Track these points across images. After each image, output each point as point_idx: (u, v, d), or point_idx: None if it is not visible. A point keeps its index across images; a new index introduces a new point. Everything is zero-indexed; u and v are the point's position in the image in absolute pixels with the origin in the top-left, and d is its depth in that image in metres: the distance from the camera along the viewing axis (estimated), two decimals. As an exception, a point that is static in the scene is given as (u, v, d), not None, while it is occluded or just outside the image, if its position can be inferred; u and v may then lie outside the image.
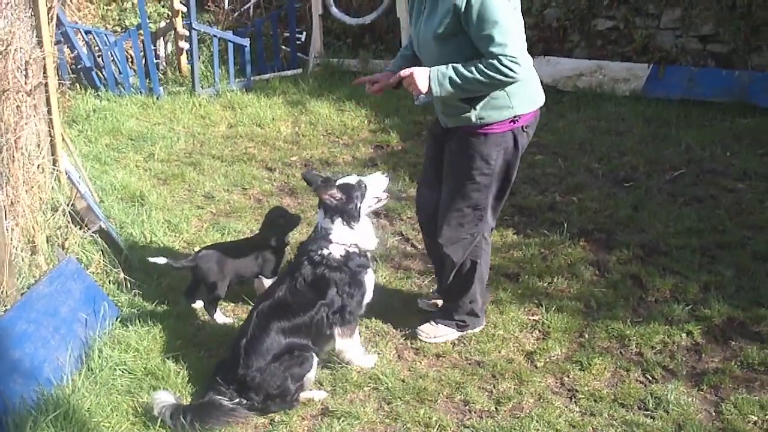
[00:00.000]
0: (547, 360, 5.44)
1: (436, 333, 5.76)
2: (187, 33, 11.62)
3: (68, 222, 6.44)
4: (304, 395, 4.99)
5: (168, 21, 12.44)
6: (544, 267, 6.62)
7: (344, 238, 5.13)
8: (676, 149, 9.10)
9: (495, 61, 4.77)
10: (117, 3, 14.04)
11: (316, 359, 5.01)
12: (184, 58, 12.32)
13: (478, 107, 5.07)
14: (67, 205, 6.50)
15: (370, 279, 5.31)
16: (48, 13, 6.66)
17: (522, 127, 5.20)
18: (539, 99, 5.32)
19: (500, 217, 7.27)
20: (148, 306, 5.90)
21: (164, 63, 12.65)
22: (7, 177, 5.79)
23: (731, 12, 10.72)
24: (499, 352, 5.52)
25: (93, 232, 6.56)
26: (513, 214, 7.63)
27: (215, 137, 9.92)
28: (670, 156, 8.90)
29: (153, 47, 12.04)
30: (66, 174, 6.90)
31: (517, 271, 6.57)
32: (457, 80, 4.88)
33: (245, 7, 14.13)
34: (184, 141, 9.74)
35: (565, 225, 7.21)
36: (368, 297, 5.36)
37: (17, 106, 6.05)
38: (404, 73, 5.03)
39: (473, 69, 4.83)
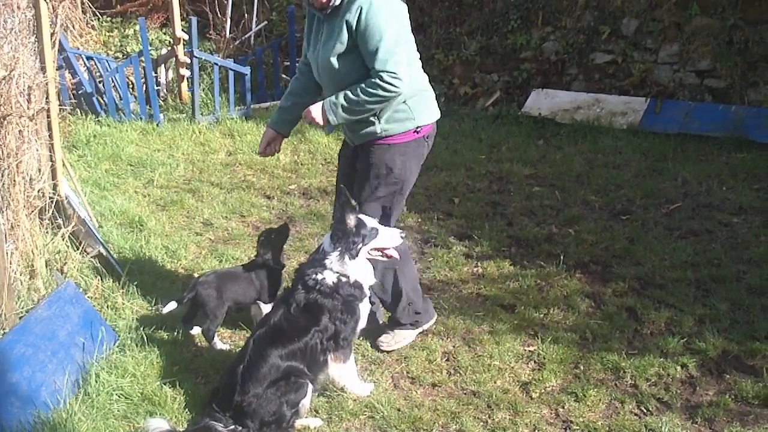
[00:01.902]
0: (543, 391, 5.44)
1: (395, 339, 5.94)
2: (189, 60, 11.70)
3: (67, 247, 6.46)
4: (299, 422, 5.00)
5: (169, 48, 12.51)
6: (540, 298, 6.63)
7: (337, 267, 5.16)
8: (673, 183, 9.15)
9: (377, 79, 5.06)
10: (119, 29, 14.15)
11: (311, 386, 5.02)
12: (184, 86, 12.39)
13: (382, 120, 5.35)
14: (67, 230, 6.52)
15: (364, 308, 5.33)
16: (51, 39, 6.71)
17: (424, 137, 5.51)
18: (436, 112, 5.68)
19: (497, 248, 7.40)
20: (145, 331, 5.90)
21: (165, 90, 12.71)
22: (8, 201, 5.82)
23: (728, 47, 10.83)
24: (495, 382, 5.53)
25: (92, 257, 6.59)
26: (510, 245, 7.66)
27: (214, 164, 9.96)
28: (667, 190, 8.94)
29: (154, 74, 12.10)
30: (66, 199, 6.93)
31: (513, 301, 6.58)
32: (347, 105, 5.19)
33: (246, 35, 14.22)
34: (183, 168, 9.78)
35: (562, 257, 7.24)
36: (362, 324, 5.40)
37: (19, 131, 6.08)
38: (303, 114, 5.41)
39: (358, 91, 5.13)
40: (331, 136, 10.60)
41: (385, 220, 5.54)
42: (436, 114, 5.65)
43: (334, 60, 5.27)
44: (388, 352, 5.90)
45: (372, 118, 5.35)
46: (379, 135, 5.41)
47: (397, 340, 5.96)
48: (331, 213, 5.59)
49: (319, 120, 5.28)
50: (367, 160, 5.53)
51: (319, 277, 5.14)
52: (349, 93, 5.17)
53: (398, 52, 5.09)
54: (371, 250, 5.27)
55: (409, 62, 5.24)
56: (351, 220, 5.13)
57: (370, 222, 5.26)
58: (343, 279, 5.18)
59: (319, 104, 5.31)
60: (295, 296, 5.12)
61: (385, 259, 5.39)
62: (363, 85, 5.13)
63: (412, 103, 5.38)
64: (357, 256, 5.20)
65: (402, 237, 5.39)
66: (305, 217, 8.28)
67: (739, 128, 10.33)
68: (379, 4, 5.08)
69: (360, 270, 5.26)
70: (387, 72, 5.04)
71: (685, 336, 6.01)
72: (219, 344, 5.92)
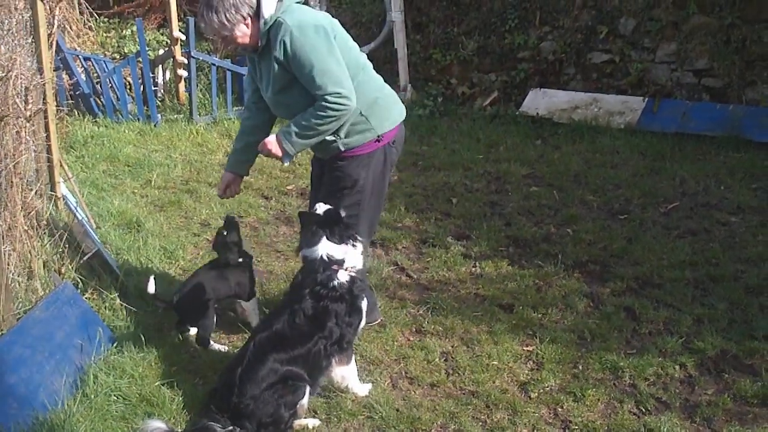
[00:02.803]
0: (541, 391, 5.43)
1: None
2: (186, 61, 11.70)
3: (65, 248, 6.46)
4: (297, 423, 4.99)
5: (167, 49, 12.51)
6: (538, 298, 6.63)
7: (351, 262, 5.16)
8: (671, 182, 9.16)
9: (322, 102, 5.08)
10: (116, 30, 14.16)
11: (308, 387, 5.01)
12: (182, 86, 12.39)
13: (342, 135, 5.37)
14: (64, 231, 6.51)
15: (364, 305, 5.33)
16: (48, 40, 6.71)
17: (388, 143, 5.53)
18: (398, 115, 5.67)
19: (494, 247, 7.38)
20: (143, 332, 5.90)
21: (162, 90, 12.72)
22: (5, 202, 5.81)
23: (726, 47, 10.84)
24: (494, 382, 5.52)
25: (89, 258, 6.58)
26: (508, 245, 7.66)
27: (212, 165, 9.96)
28: (665, 189, 8.95)
29: (151, 75, 12.11)
30: (63, 199, 6.93)
31: (512, 301, 6.57)
32: (300, 131, 5.22)
33: (244, 35, 14.19)
34: (181, 168, 9.79)
35: (560, 256, 7.25)
36: (363, 324, 5.40)
37: (17, 132, 6.08)
38: (259, 148, 5.43)
39: (308, 116, 5.16)
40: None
41: (352, 228, 5.51)
42: (398, 117, 5.64)
43: (280, 96, 5.34)
44: None
45: (331, 136, 5.35)
46: (341, 150, 5.43)
47: None
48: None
49: (277, 151, 5.29)
50: (332, 173, 5.58)
51: (335, 283, 5.10)
52: (300, 120, 5.20)
53: (335, 71, 5.09)
54: None
55: (356, 72, 5.30)
56: (343, 212, 5.20)
57: (324, 206, 5.29)
58: (354, 273, 5.17)
59: (273, 136, 5.32)
60: (302, 304, 5.07)
61: None
62: (311, 110, 5.14)
63: (368, 112, 5.39)
64: (357, 237, 5.27)
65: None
66: (303, 217, 8.28)
67: (736, 127, 10.34)
68: (300, 30, 5.07)
69: (360, 254, 5.28)
70: (330, 93, 5.04)
71: (683, 335, 6.00)
72: (216, 345, 5.92)
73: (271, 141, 5.30)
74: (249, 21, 5.20)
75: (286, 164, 5.49)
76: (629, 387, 5.48)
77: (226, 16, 5.14)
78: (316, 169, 5.93)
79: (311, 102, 5.16)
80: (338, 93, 5.04)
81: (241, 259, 6.05)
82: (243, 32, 5.22)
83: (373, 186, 5.56)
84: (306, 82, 5.10)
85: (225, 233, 6.05)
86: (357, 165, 5.46)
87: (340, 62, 5.15)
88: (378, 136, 5.44)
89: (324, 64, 5.04)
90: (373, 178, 5.53)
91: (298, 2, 5.29)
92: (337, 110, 5.07)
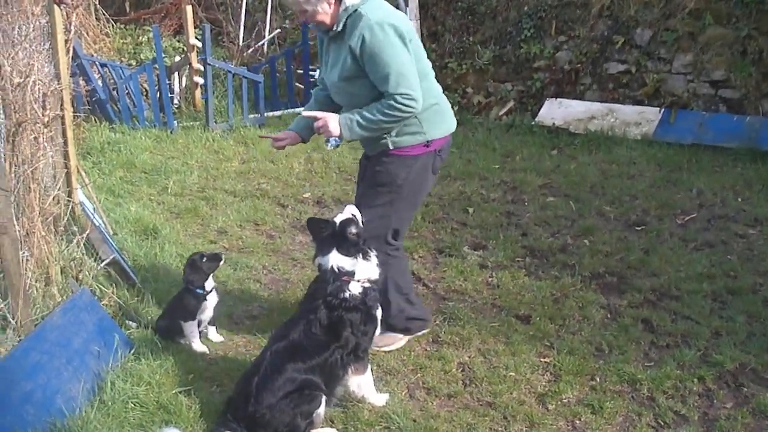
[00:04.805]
0: (559, 402, 5.41)
1: (384, 342, 5.98)
2: (202, 68, 11.72)
3: (82, 254, 6.46)
4: (314, 432, 4.98)
5: (183, 56, 12.55)
6: (555, 309, 6.60)
7: (363, 274, 5.13)
8: (687, 194, 9.13)
9: (391, 101, 5.16)
10: (132, 37, 14.20)
11: (324, 397, 4.99)
12: (198, 93, 12.42)
13: (393, 134, 5.44)
14: (82, 237, 6.52)
15: (379, 314, 5.32)
16: (65, 46, 6.73)
17: (435, 150, 5.58)
18: (451, 125, 5.76)
19: (511, 258, 7.38)
20: (160, 339, 5.90)
21: (178, 97, 12.75)
22: (23, 208, 5.82)
23: (743, 58, 10.81)
24: (511, 393, 5.50)
25: (106, 264, 6.59)
26: (524, 255, 7.64)
27: (228, 172, 9.97)
28: (682, 201, 8.92)
29: (168, 81, 12.14)
30: (80, 206, 6.94)
31: (529, 312, 6.55)
32: (363, 123, 5.29)
33: (260, 43, 14.24)
34: (197, 175, 9.80)
35: (577, 267, 7.23)
36: (378, 332, 5.40)
37: (34, 138, 6.09)
38: (318, 123, 5.42)
39: (375, 111, 5.24)
40: (345, 145, 10.61)
41: (382, 228, 5.65)
42: (449, 127, 5.71)
43: (345, 84, 5.40)
44: (377, 351, 5.94)
45: (383, 134, 5.44)
46: (389, 147, 5.50)
47: (387, 342, 6.00)
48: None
49: (333, 131, 5.33)
50: (374, 168, 5.63)
51: (347, 294, 5.08)
52: (365, 113, 5.26)
53: (409, 73, 5.17)
54: None
55: (422, 77, 5.34)
56: (353, 229, 5.14)
57: (346, 215, 5.27)
58: (367, 284, 5.15)
59: (336, 117, 5.36)
60: (318, 314, 5.05)
61: None
62: (379, 106, 5.22)
63: (423, 117, 5.43)
64: (371, 249, 5.26)
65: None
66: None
67: (753, 139, 10.31)
68: (381, 28, 5.13)
69: (375, 265, 5.27)
70: (401, 94, 5.13)
71: (701, 348, 5.97)
72: (199, 347, 6.03)
73: (332, 119, 5.34)
74: (332, 1, 5.28)
75: (329, 148, 5.52)
76: (647, 400, 5.44)
77: None
78: (362, 167, 5.97)
79: (374, 96, 5.26)
80: (408, 95, 5.13)
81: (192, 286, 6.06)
82: (324, 10, 5.29)
83: (410, 188, 5.60)
84: (378, 79, 5.18)
85: (205, 260, 6.05)
86: (400, 165, 5.52)
87: (413, 66, 5.23)
88: (427, 141, 5.50)
89: (399, 65, 5.13)
90: (412, 181, 5.57)
91: None
92: (403, 111, 5.17)
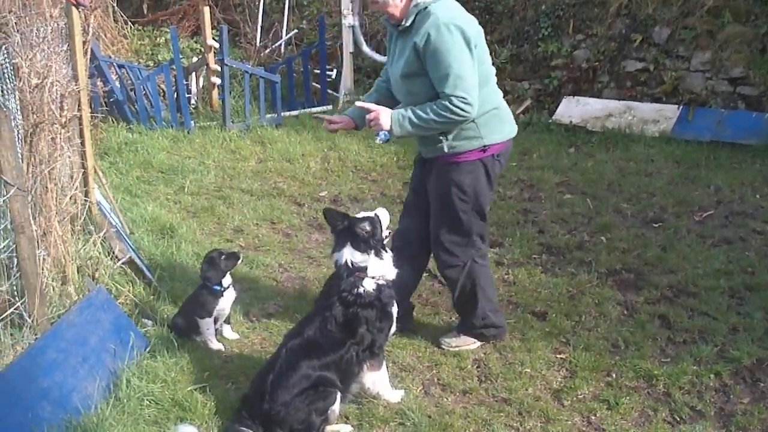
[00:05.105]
0: (574, 398, 5.39)
1: (458, 343, 6.00)
2: (219, 68, 11.75)
3: (99, 253, 6.49)
4: (329, 429, 4.97)
5: (200, 56, 12.58)
6: (571, 306, 6.59)
7: (376, 271, 5.13)
8: (705, 191, 9.09)
9: (447, 102, 5.14)
10: (150, 38, 14.26)
11: (339, 394, 5.00)
12: (215, 93, 12.46)
13: (450, 137, 5.42)
14: (98, 237, 6.55)
15: (395, 311, 5.32)
16: (83, 48, 6.76)
17: (493, 155, 5.53)
18: (511, 130, 5.70)
19: (528, 255, 7.37)
20: (176, 337, 5.92)
21: (196, 98, 12.78)
22: (41, 207, 5.85)
23: (761, 55, 10.75)
24: (526, 389, 5.49)
25: (123, 263, 6.61)
26: (541, 252, 7.63)
27: (245, 171, 9.99)
28: (699, 197, 8.88)
29: (185, 82, 12.18)
30: (97, 205, 6.97)
31: (545, 309, 6.54)
32: (416, 121, 5.27)
33: (277, 43, 14.27)
34: (214, 175, 9.83)
35: (593, 264, 7.21)
36: (393, 329, 5.38)
37: (52, 138, 6.12)
38: (370, 116, 5.42)
39: (428, 110, 5.22)
40: (362, 144, 10.62)
41: (467, 234, 5.69)
42: (509, 132, 5.66)
43: (405, 80, 5.41)
44: (449, 350, 5.99)
45: (440, 136, 5.43)
46: (446, 152, 5.48)
47: (460, 344, 6.00)
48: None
49: (384, 125, 5.33)
50: (437, 178, 5.64)
51: (360, 290, 5.09)
52: (419, 110, 5.25)
53: (468, 77, 5.15)
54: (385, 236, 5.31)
55: (483, 82, 5.32)
56: (366, 225, 5.12)
57: (368, 214, 5.27)
58: (381, 282, 5.15)
59: (388, 111, 5.36)
60: (333, 311, 5.06)
61: (387, 240, 5.41)
62: (434, 106, 5.20)
63: (481, 121, 5.41)
64: (386, 248, 5.23)
65: (386, 211, 5.44)
66: (335, 224, 8.26)
67: (772, 136, 10.25)
68: (447, 28, 5.11)
69: (389, 264, 5.25)
70: (457, 97, 5.11)
71: (718, 344, 5.95)
72: (215, 345, 6.04)
73: (385, 113, 5.35)
74: None
75: (378, 141, 5.52)
76: (663, 395, 5.42)
77: None
78: (417, 170, 5.97)
79: (432, 96, 5.26)
80: (465, 99, 5.11)
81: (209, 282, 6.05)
82: (395, 3, 5.30)
83: (478, 194, 5.59)
84: (437, 79, 5.17)
85: (224, 258, 6.06)
86: (462, 171, 5.51)
87: (475, 71, 5.21)
88: (484, 146, 5.47)
89: (461, 68, 5.10)
90: (476, 188, 5.57)
91: None
92: (457, 114, 5.15)
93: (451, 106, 5.12)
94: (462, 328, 6.08)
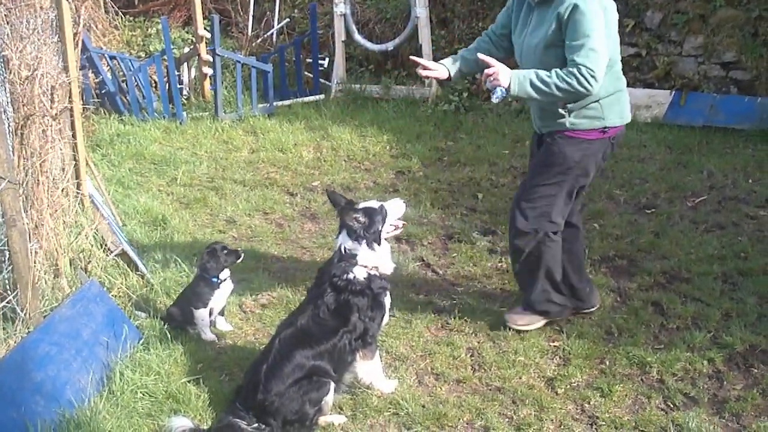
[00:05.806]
0: (568, 386, 5.41)
1: (523, 321, 6.03)
2: (211, 59, 11.71)
3: (91, 245, 6.48)
4: (323, 419, 4.98)
5: (192, 47, 12.54)
6: (565, 293, 6.58)
7: (368, 261, 5.13)
8: (698, 176, 9.09)
9: (575, 69, 5.11)
10: (141, 29, 14.20)
11: (333, 384, 5.01)
12: (207, 84, 12.42)
13: (572, 115, 5.47)
14: (91, 229, 6.54)
15: (388, 301, 5.33)
16: (74, 39, 6.74)
17: (609, 138, 5.62)
18: (628, 115, 5.74)
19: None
20: (169, 329, 5.92)
21: (187, 88, 12.74)
22: (32, 200, 5.84)
23: (754, 39, 10.73)
24: (520, 378, 5.50)
25: (115, 256, 6.61)
26: (534, 240, 7.62)
27: (237, 162, 9.97)
28: (692, 183, 8.88)
29: (177, 72, 12.14)
30: (89, 197, 6.96)
31: (538, 297, 6.54)
32: (537, 83, 5.21)
33: (269, 33, 14.21)
34: (206, 165, 9.81)
35: (587, 251, 7.20)
36: (386, 319, 5.40)
37: (43, 131, 6.11)
38: (490, 71, 5.29)
39: (553, 74, 5.17)
40: (354, 133, 10.61)
41: (548, 207, 5.68)
42: (626, 117, 5.70)
43: (539, 50, 5.40)
44: (512, 327, 6.02)
45: (562, 111, 5.47)
46: (566, 128, 5.53)
47: (526, 322, 6.03)
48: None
49: (504, 83, 5.24)
50: (548, 148, 5.68)
51: (351, 276, 5.10)
52: (542, 73, 5.21)
53: (601, 52, 5.14)
54: (387, 230, 5.30)
55: (611, 63, 5.32)
56: (360, 216, 5.12)
57: (374, 204, 5.27)
58: (373, 272, 5.16)
59: (508, 70, 5.30)
60: (325, 299, 5.09)
61: (396, 231, 5.42)
62: (559, 71, 5.16)
63: (606, 102, 5.45)
64: (380, 240, 5.21)
65: (403, 203, 5.41)
66: (328, 213, 8.25)
67: (765, 120, 10.24)
68: (593, 3, 5.16)
69: (385, 257, 5.26)
70: (586, 67, 5.08)
71: (711, 330, 5.97)
72: (208, 336, 6.05)
73: (505, 70, 5.27)
74: None
75: (494, 101, 5.43)
76: (657, 382, 5.44)
77: None
78: (535, 150, 6.00)
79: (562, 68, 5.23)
80: (592, 72, 5.08)
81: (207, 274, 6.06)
82: None
83: (579, 172, 5.62)
84: (571, 47, 5.16)
85: (225, 252, 6.09)
86: (575, 147, 5.55)
87: (607, 49, 5.22)
88: (605, 128, 5.52)
89: (596, 41, 5.11)
90: (583, 165, 5.60)
91: None
92: (581, 84, 5.11)
93: (578, 74, 5.09)
94: (526, 305, 6.06)
